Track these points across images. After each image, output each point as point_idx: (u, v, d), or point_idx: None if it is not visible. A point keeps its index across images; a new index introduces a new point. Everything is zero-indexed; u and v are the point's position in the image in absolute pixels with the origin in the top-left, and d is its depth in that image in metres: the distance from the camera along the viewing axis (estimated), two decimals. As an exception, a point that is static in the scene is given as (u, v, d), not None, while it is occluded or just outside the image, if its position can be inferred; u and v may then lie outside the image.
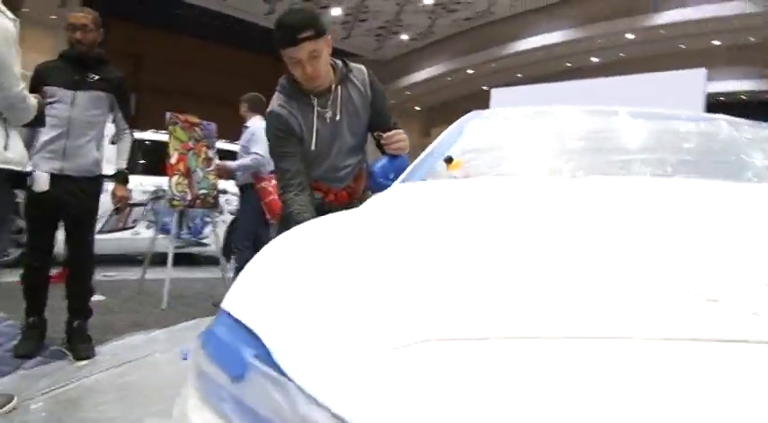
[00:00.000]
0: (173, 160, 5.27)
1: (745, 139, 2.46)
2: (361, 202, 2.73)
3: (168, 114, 5.34)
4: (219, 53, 21.78)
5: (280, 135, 2.42)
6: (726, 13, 19.53)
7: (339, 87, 2.48)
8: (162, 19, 19.60)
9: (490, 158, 2.33)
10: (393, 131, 2.48)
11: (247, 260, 4.82)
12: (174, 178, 5.27)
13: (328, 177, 2.58)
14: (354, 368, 0.84)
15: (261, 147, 5.30)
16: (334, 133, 2.50)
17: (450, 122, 2.64)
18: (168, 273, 5.29)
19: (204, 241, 7.85)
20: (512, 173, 2.14)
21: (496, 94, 7.69)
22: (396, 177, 2.38)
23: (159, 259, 5.88)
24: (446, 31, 22.69)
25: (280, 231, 2.70)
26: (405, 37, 23.34)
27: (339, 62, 2.50)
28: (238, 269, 5.31)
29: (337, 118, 2.49)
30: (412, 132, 30.14)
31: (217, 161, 5.84)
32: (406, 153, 2.54)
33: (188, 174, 5.39)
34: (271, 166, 5.40)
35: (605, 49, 22.50)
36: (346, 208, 2.63)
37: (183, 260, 5.64)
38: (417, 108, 28.99)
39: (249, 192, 5.59)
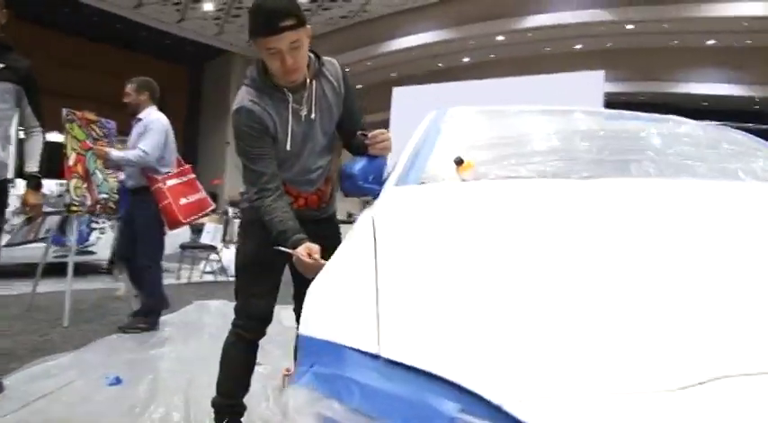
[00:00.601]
0: (70, 162, 4.72)
1: (714, 138, 2.47)
2: (329, 206, 2.53)
3: (65, 111, 4.76)
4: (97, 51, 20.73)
5: (253, 134, 2.16)
6: (587, 20, 20.69)
7: (314, 82, 2.25)
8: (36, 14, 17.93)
9: (486, 158, 2.19)
10: (378, 131, 2.29)
11: (159, 279, 4.29)
12: (73, 181, 4.73)
13: (299, 180, 2.35)
14: (641, 412, 0.67)
15: (149, 143, 4.57)
16: (308, 132, 2.28)
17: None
18: (69, 285, 4.74)
19: (90, 249, 7.23)
20: (523, 174, 2.01)
21: (398, 92, 7.59)
22: (376, 179, 2.20)
23: (31, 270, 5.25)
24: (321, 28, 22.44)
25: (245, 240, 2.45)
26: (280, 34, 22.93)
27: (312, 55, 2.28)
28: (153, 292, 4.76)
29: (312, 116, 2.27)
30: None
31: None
32: (389, 153, 2.36)
33: (87, 176, 4.86)
34: (163, 167, 4.72)
35: (476, 50, 23.19)
36: (316, 213, 2.42)
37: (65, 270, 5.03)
38: (292, 106, 28.50)
39: (145, 196, 4.69)
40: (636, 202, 1.53)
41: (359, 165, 2.20)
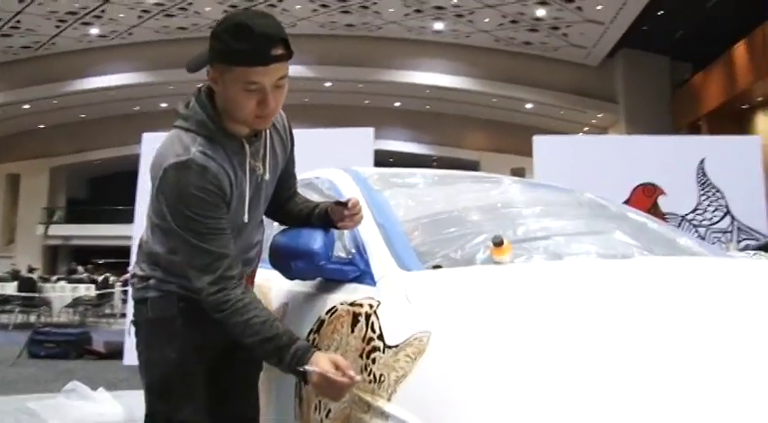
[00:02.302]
0: None
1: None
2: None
3: None
4: None
5: (208, 199, 1.57)
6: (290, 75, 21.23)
7: (267, 133, 1.76)
8: None
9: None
10: (354, 198, 1.83)
11: None
12: None
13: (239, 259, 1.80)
14: None
15: None
16: (257, 197, 1.77)
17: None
18: None
19: None
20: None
21: (148, 138, 6.73)
22: (331, 258, 1.78)
23: None
24: (-1, 57, 19.75)
25: (158, 346, 1.77)
26: (-63, 60, 19.56)
27: None
28: None
29: (267, 176, 1.77)
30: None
31: None
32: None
33: None
34: None
35: (175, 96, 22.42)
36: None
37: None
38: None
39: None
40: (716, 281, 1.46)
41: (318, 239, 1.75)
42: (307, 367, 1.43)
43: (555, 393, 0.97)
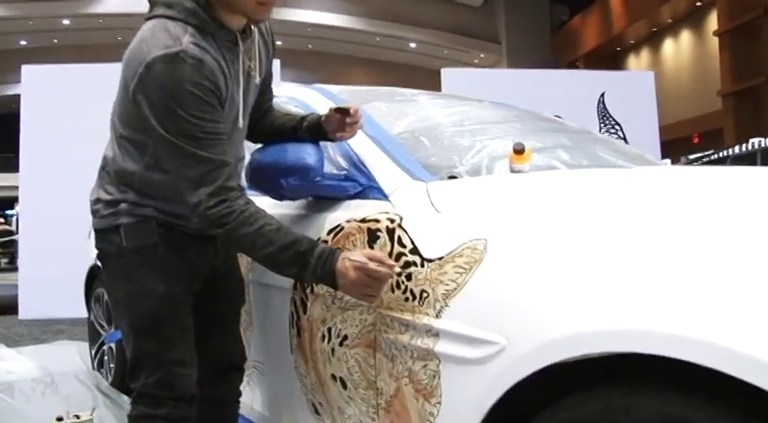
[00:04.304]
0: None
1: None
2: None
3: None
4: None
5: (204, 98, 1.33)
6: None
7: (254, 30, 1.55)
8: None
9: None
10: (355, 105, 1.64)
11: None
12: None
13: None
14: None
15: None
16: (247, 101, 1.56)
17: None
18: None
19: None
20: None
21: (28, 70, 6.05)
22: (323, 173, 1.61)
23: None
24: None
25: (138, 278, 1.53)
26: None
27: None
28: None
29: (257, 79, 1.57)
30: None
31: None
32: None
33: None
34: None
35: (37, 33, 20.71)
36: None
37: None
38: None
39: None
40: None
41: (312, 153, 1.57)
42: (350, 257, 1.28)
43: (638, 291, 0.91)
